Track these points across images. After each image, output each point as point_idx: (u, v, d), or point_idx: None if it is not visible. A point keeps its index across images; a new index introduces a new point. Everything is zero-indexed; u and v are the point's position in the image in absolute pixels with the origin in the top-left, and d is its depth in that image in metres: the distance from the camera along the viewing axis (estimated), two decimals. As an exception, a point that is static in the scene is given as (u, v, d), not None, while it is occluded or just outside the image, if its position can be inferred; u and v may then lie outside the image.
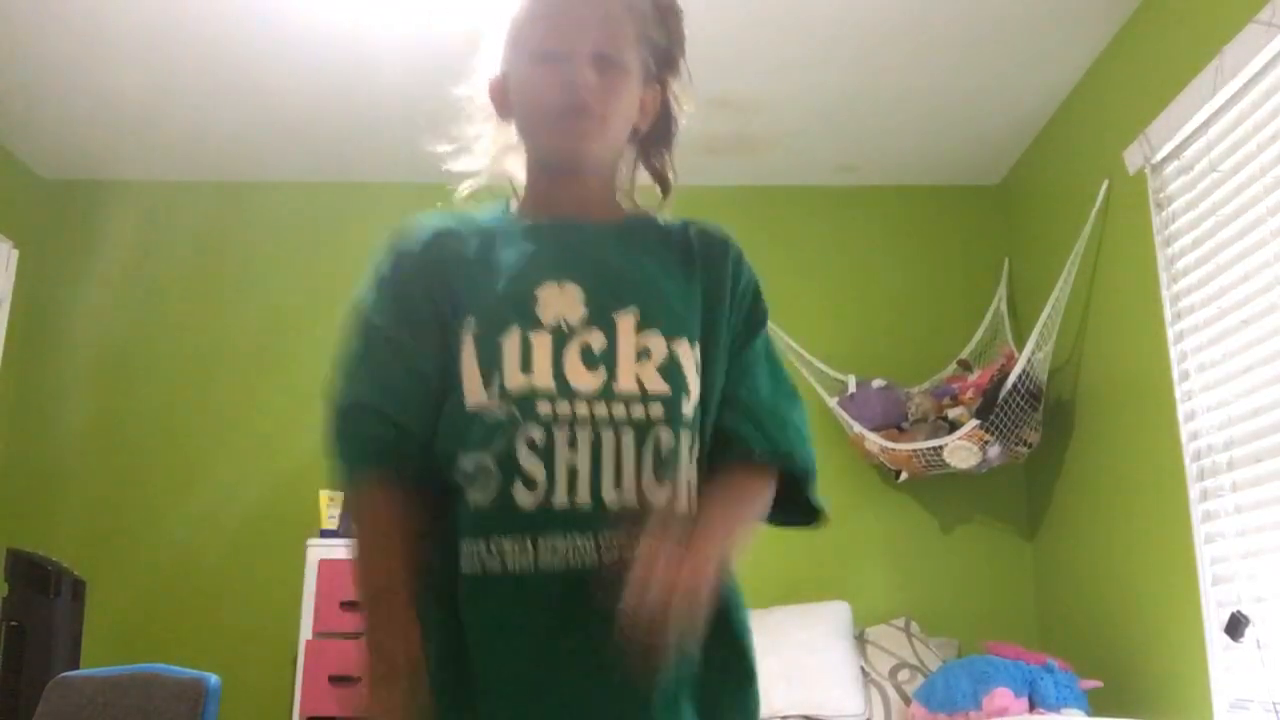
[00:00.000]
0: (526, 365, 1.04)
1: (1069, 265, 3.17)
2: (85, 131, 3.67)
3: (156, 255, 3.94)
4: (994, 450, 3.25)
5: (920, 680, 3.15)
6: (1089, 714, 2.70)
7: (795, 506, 1.14)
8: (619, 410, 1.03)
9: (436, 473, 1.06)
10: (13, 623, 2.69)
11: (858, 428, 3.45)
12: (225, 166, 3.90)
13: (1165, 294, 2.78)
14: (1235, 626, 2.34)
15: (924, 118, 3.57)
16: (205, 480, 3.71)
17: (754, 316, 1.17)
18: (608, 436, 1.02)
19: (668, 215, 1.21)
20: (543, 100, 1.11)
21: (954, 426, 3.34)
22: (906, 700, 3.14)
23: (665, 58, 1.18)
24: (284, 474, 3.63)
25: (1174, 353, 2.74)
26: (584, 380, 1.03)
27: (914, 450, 3.34)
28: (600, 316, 1.06)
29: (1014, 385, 3.16)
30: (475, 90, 1.21)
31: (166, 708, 2.18)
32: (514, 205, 1.20)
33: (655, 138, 1.21)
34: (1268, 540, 2.38)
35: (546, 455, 1.01)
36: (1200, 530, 2.62)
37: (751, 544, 1.09)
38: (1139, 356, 2.91)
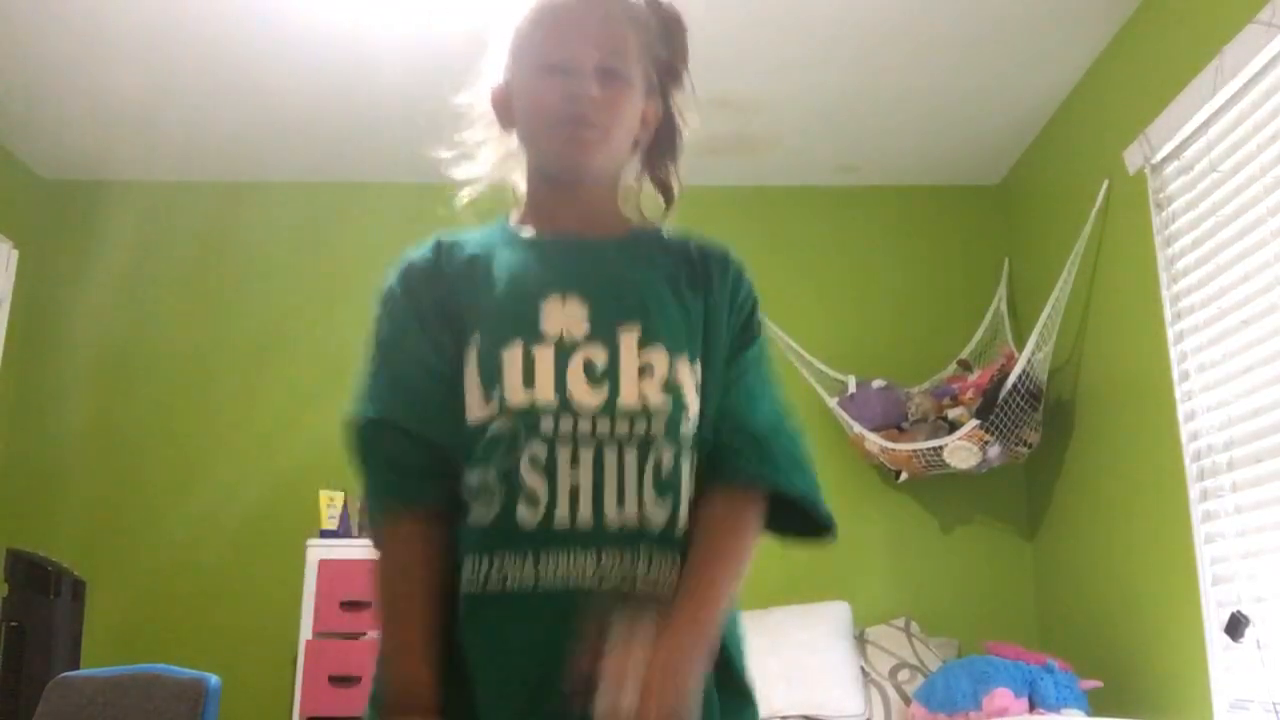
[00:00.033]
0: (529, 380, 1.03)
1: (1069, 265, 3.17)
2: (85, 131, 3.67)
3: (156, 255, 3.94)
4: (994, 450, 3.25)
5: (920, 680, 3.15)
6: (1089, 714, 2.70)
7: (798, 519, 1.12)
8: (621, 427, 1.03)
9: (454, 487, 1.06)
10: (13, 623, 2.68)
11: (858, 428, 3.45)
12: (225, 166, 3.90)
13: (1165, 294, 2.78)
14: (1235, 626, 2.34)
15: (924, 118, 3.57)
16: (205, 480, 3.71)
17: (748, 330, 1.16)
18: (610, 453, 1.02)
19: (670, 227, 1.21)
20: (545, 111, 1.11)
21: (954, 426, 3.34)
22: (906, 700, 3.14)
23: (668, 70, 1.18)
24: (284, 474, 3.63)
25: (1174, 353, 2.74)
26: (587, 396, 1.03)
27: (914, 450, 3.34)
28: (603, 331, 1.06)
29: (1014, 385, 3.16)
30: (477, 98, 1.21)
31: (166, 708, 2.18)
32: (515, 216, 1.19)
33: (660, 149, 1.20)
34: (1268, 540, 2.38)
35: (549, 472, 1.01)
36: (1200, 530, 2.62)
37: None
38: (1139, 356, 2.91)
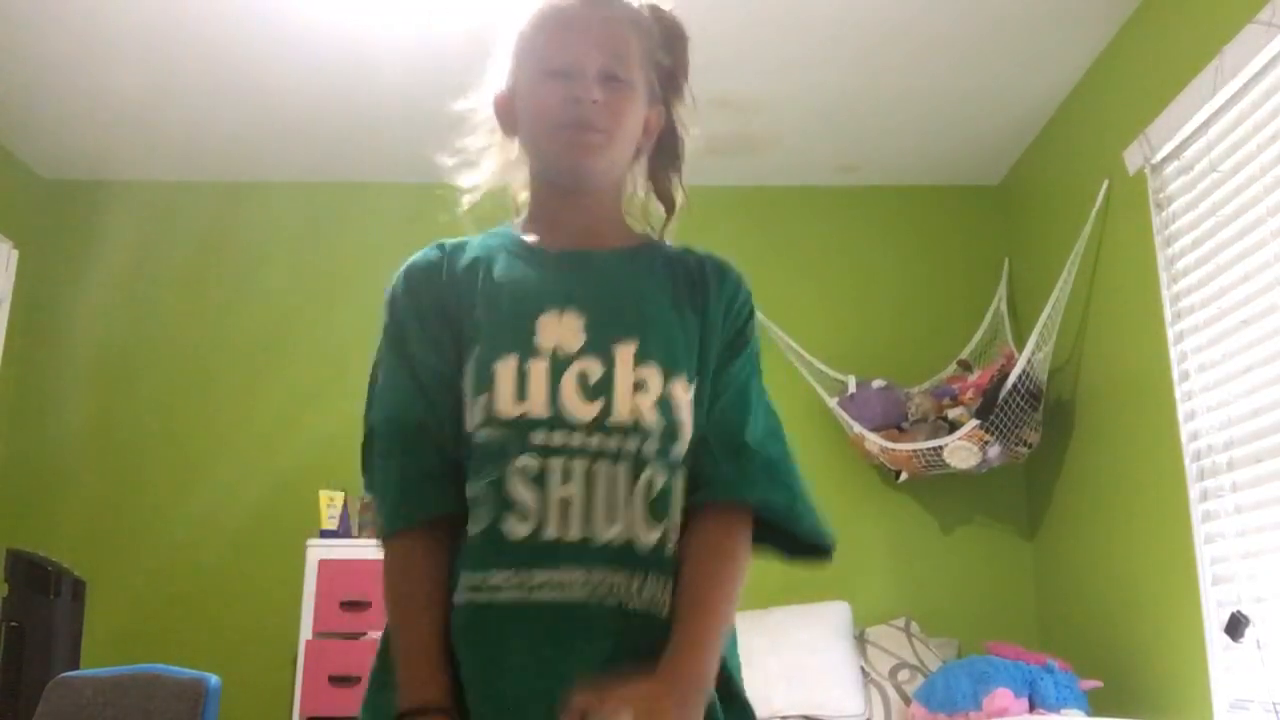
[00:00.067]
0: (522, 393, 1.03)
1: (1069, 265, 3.17)
2: (85, 131, 3.67)
3: (156, 255, 3.94)
4: (994, 450, 3.25)
5: (920, 680, 3.15)
6: (1089, 714, 2.70)
7: (788, 536, 1.11)
8: (613, 443, 1.02)
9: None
10: (13, 623, 2.68)
11: (858, 428, 3.45)
12: (225, 166, 3.90)
13: (1165, 294, 2.78)
14: (1235, 626, 2.34)
15: (924, 118, 3.57)
16: (205, 480, 3.71)
17: (739, 338, 1.14)
18: (602, 469, 1.01)
19: (670, 239, 1.20)
20: (548, 114, 1.10)
21: (954, 426, 3.34)
22: (906, 700, 3.14)
23: (670, 79, 1.18)
24: (284, 474, 3.63)
25: (1174, 353, 2.74)
26: (580, 410, 1.02)
27: (914, 450, 3.34)
28: (599, 346, 1.05)
29: (1014, 385, 3.16)
30: (480, 104, 1.20)
31: (166, 708, 2.18)
32: (517, 224, 1.19)
33: (662, 158, 1.20)
34: (1268, 540, 2.38)
35: (539, 485, 1.01)
36: (1200, 530, 2.62)
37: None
38: (1139, 356, 2.91)
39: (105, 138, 3.71)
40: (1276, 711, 2.24)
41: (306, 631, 3.16)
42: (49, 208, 3.94)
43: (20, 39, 3.12)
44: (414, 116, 3.46)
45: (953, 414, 3.41)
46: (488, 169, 1.20)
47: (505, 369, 1.04)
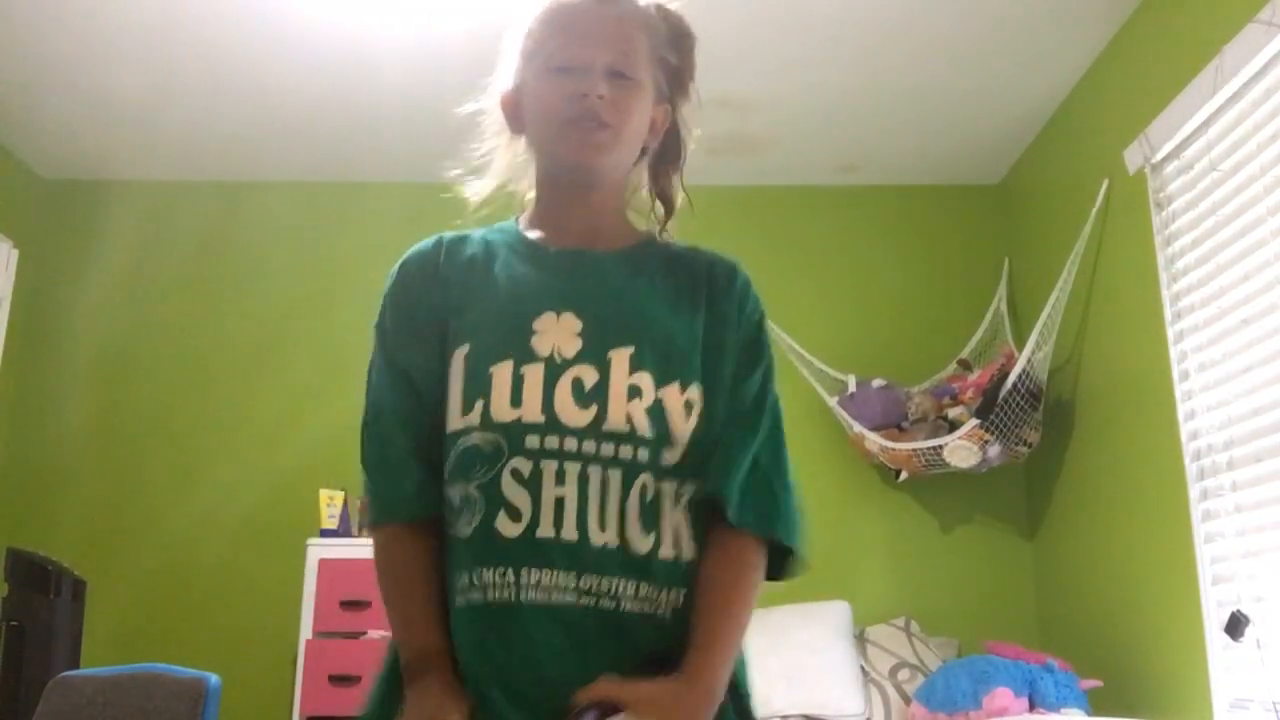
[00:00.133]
0: (517, 398, 1.03)
1: (1069, 265, 3.17)
2: (85, 131, 3.67)
3: (156, 255, 3.94)
4: (994, 450, 3.25)
5: (920, 680, 3.15)
6: (1089, 714, 2.70)
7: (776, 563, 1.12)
8: (607, 448, 1.02)
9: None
10: (13, 623, 2.68)
11: (858, 427, 3.45)
12: (225, 166, 3.90)
13: (1165, 294, 2.78)
14: (1235, 626, 2.34)
15: (924, 118, 3.57)
16: (205, 480, 3.71)
17: (753, 351, 1.13)
18: (595, 472, 1.01)
19: (677, 238, 1.20)
20: (556, 111, 1.10)
21: (954, 426, 3.34)
22: (906, 700, 3.14)
23: (676, 79, 1.18)
24: (284, 474, 3.63)
25: (1174, 353, 2.74)
26: (574, 415, 1.02)
27: (914, 450, 3.34)
28: (595, 352, 1.05)
29: (1014, 385, 3.16)
30: (488, 103, 1.20)
31: (166, 708, 2.18)
32: (522, 221, 1.19)
33: (664, 158, 1.20)
34: (1268, 540, 2.38)
35: (533, 487, 1.01)
36: (1200, 530, 2.62)
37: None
38: (1139, 356, 2.91)
39: (105, 138, 3.71)
40: (1276, 711, 2.24)
41: (306, 631, 3.16)
42: (49, 208, 3.94)
43: (20, 39, 3.12)
44: (414, 116, 3.47)
45: (953, 413, 3.41)
46: (495, 170, 1.20)
47: (501, 374, 1.04)
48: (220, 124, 3.60)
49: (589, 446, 1.02)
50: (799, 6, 2.96)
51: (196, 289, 3.92)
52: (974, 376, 3.51)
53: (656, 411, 1.04)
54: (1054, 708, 2.70)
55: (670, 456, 1.05)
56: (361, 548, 3.18)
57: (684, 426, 1.06)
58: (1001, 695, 2.73)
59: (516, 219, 1.19)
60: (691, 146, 1.21)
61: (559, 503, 1.00)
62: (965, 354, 3.71)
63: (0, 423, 3.74)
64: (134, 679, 2.25)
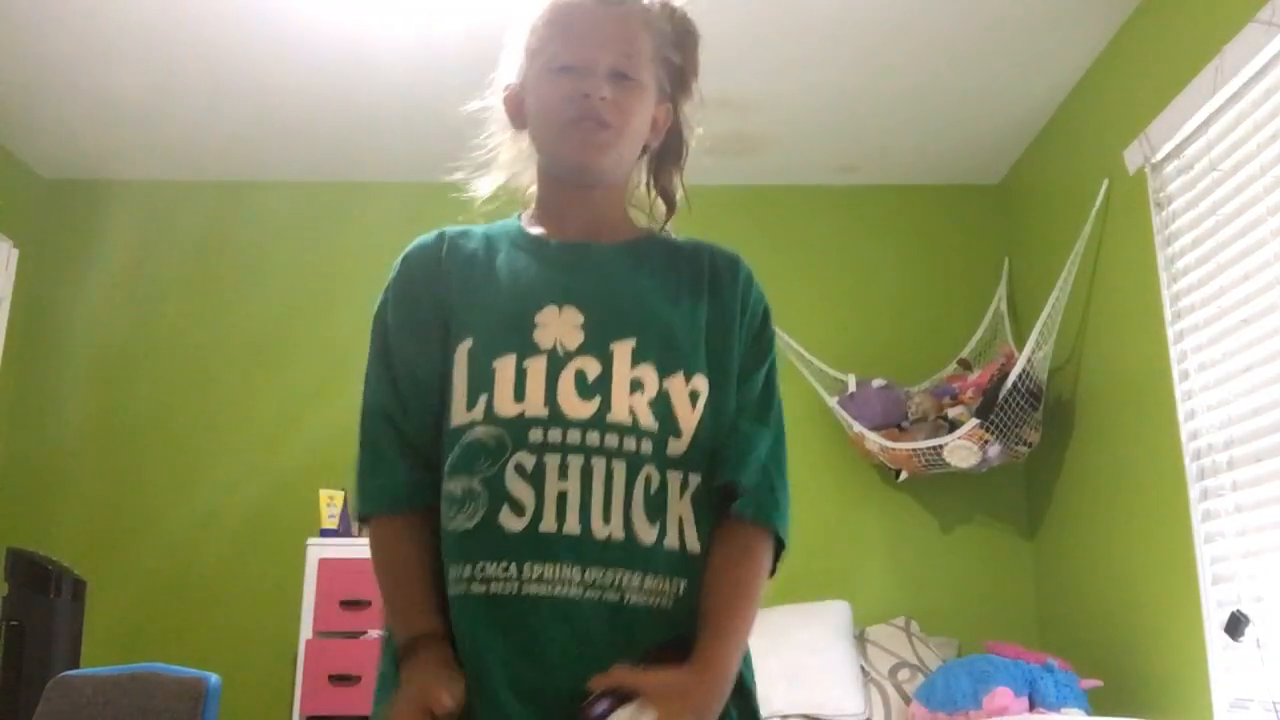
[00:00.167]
0: (520, 393, 1.03)
1: (1069, 265, 3.17)
2: (85, 131, 3.67)
3: (156, 255, 3.94)
4: (994, 450, 3.25)
5: (920, 680, 3.15)
6: (1089, 714, 2.70)
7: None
8: (611, 440, 1.03)
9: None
10: (13, 622, 2.68)
11: (858, 427, 3.45)
12: (225, 166, 3.90)
13: (1165, 294, 2.78)
14: (1235, 626, 2.34)
15: (924, 118, 3.57)
16: (205, 480, 3.71)
17: (759, 344, 1.15)
18: (599, 465, 1.02)
19: (671, 232, 1.21)
20: (557, 111, 1.11)
21: (954, 426, 3.34)
22: (906, 700, 3.14)
23: (679, 78, 1.18)
24: (284, 474, 3.63)
25: (1174, 352, 2.74)
26: (577, 408, 1.03)
27: (914, 450, 3.34)
28: (597, 344, 1.05)
29: (1014, 384, 3.16)
30: (492, 100, 1.21)
31: (166, 707, 2.18)
32: (524, 217, 1.19)
33: (665, 156, 1.21)
34: (1268, 540, 2.38)
35: (536, 481, 1.01)
36: (1200, 530, 2.62)
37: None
38: (1139, 356, 2.91)
39: (105, 138, 3.71)
40: (1276, 711, 2.24)
41: (306, 631, 3.16)
42: (49, 208, 3.94)
43: (20, 39, 3.12)
44: (414, 116, 3.47)
45: (953, 413, 3.41)
46: (501, 164, 1.21)
47: (504, 368, 1.04)
48: (220, 124, 3.60)
49: (593, 439, 1.02)
50: (799, 6, 2.97)
51: (196, 289, 3.92)
52: (974, 376, 3.51)
53: (661, 403, 1.05)
54: (1054, 707, 2.70)
55: (676, 447, 1.05)
56: (361, 548, 3.14)
57: (690, 417, 1.07)
58: (1001, 695, 2.73)
59: (519, 215, 1.20)
60: (693, 144, 1.22)
61: (561, 497, 1.01)
62: (965, 354, 3.71)
63: (0, 423, 3.74)
64: (134, 679, 2.25)
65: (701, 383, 1.08)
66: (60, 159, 3.87)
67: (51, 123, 3.62)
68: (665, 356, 1.07)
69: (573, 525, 1.00)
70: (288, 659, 3.27)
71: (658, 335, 1.08)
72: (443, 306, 1.10)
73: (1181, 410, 2.70)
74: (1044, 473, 3.55)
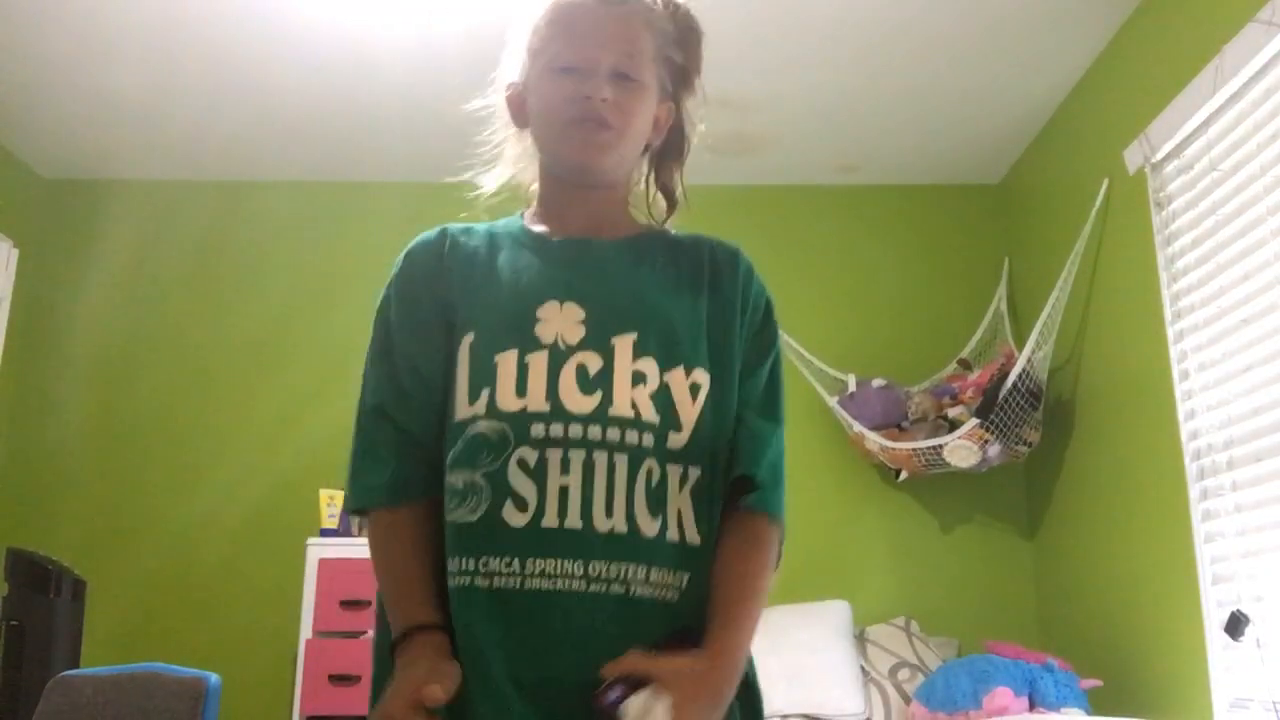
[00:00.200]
0: (522, 388, 1.04)
1: (1069, 265, 3.17)
2: (85, 131, 3.67)
3: (156, 255, 3.94)
4: (994, 449, 3.26)
5: (920, 679, 3.15)
6: (1089, 713, 2.70)
7: None
8: (613, 434, 1.03)
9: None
10: (13, 622, 2.68)
11: (858, 427, 3.45)
12: (225, 166, 3.90)
13: (1165, 294, 2.78)
14: (1235, 626, 2.34)
15: (924, 118, 3.57)
16: (205, 480, 3.71)
17: (763, 338, 1.15)
18: (600, 459, 1.02)
19: (672, 228, 1.21)
20: (559, 112, 1.11)
21: (954, 426, 3.34)
22: (907, 699, 3.14)
23: (682, 76, 1.18)
24: (284, 474, 3.63)
25: (1174, 352, 2.74)
26: (579, 403, 1.03)
27: (914, 449, 3.34)
28: (599, 339, 1.06)
29: (1014, 384, 3.16)
30: (494, 98, 1.21)
31: (166, 707, 2.18)
32: (526, 215, 1.20)
33: (667, 154, 1.21)
34: (1268, 540, 2.38)
35: (538, 476, 1.01)
36: (1200, 530, 2.62)
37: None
38: (1139, 356, 2.91)
39: (105, 138, 3.71)
40: (1276, 711, 2.24)
41: (306, 630, 3.16)
42: (49, 208, 3.94)
43: (20, 39, 3.12)
44: (414, 116, 3.47)
45: (953, 413, 3.41)
46: (506, 160, 1.22)
47: (506, 363, 1.05)
48: (220, 124, 3.60)
49: (594, 433, 1.03)
50: (799, 6, 2.97)
51: (196, 289, 3.92)
52: (974, 376, 3.51)
53: (662, 396, 1.06)
54: (1054, 707, 2.70)
55: (677, 440, 1.06)
56: (361, 548, 3.15)
57: (691, 410, 1.07)
58: (1001, 695, 2.74)
59: (521, 214, 1.20)
60: (695, 142, 1.22)
61: (563, 492, 1.01)
62: (965, 354, 3.71)
63: (0, 423, 3.74)
64: (134, 679, 2.25)
65: (702, 376, 1.08)
66: (60, 159, 3.87)
67: (51, 123, 3.62)
68: (666, 350, 1.07)
69: (574, 520, 1.01)
70: (288, 659, 3.27)
71: (658, 329, 1.08)
72: (445, 303, 1.10)
73: (1181, 410, 2.70)
74: (1044, 473, 3.55)
